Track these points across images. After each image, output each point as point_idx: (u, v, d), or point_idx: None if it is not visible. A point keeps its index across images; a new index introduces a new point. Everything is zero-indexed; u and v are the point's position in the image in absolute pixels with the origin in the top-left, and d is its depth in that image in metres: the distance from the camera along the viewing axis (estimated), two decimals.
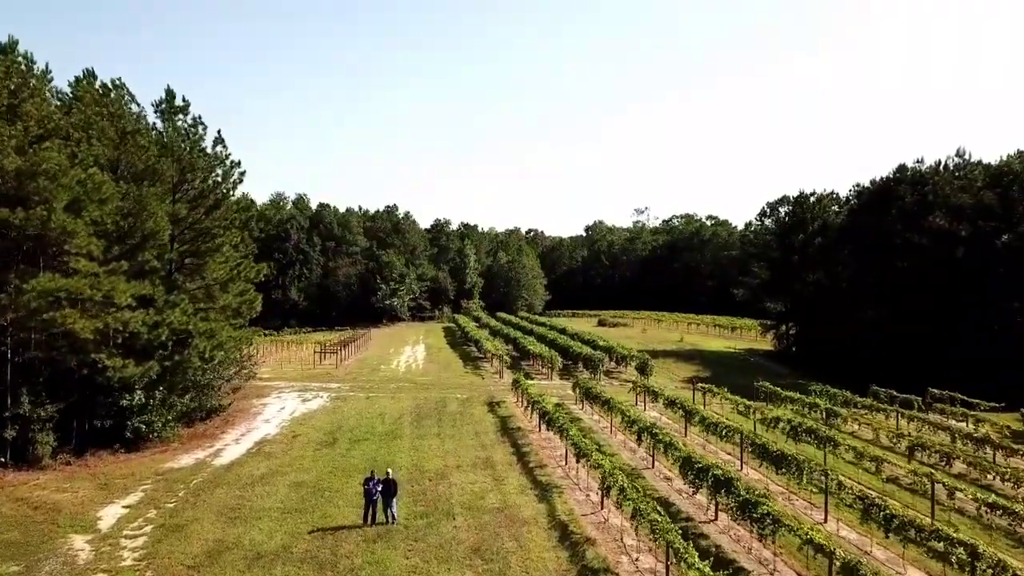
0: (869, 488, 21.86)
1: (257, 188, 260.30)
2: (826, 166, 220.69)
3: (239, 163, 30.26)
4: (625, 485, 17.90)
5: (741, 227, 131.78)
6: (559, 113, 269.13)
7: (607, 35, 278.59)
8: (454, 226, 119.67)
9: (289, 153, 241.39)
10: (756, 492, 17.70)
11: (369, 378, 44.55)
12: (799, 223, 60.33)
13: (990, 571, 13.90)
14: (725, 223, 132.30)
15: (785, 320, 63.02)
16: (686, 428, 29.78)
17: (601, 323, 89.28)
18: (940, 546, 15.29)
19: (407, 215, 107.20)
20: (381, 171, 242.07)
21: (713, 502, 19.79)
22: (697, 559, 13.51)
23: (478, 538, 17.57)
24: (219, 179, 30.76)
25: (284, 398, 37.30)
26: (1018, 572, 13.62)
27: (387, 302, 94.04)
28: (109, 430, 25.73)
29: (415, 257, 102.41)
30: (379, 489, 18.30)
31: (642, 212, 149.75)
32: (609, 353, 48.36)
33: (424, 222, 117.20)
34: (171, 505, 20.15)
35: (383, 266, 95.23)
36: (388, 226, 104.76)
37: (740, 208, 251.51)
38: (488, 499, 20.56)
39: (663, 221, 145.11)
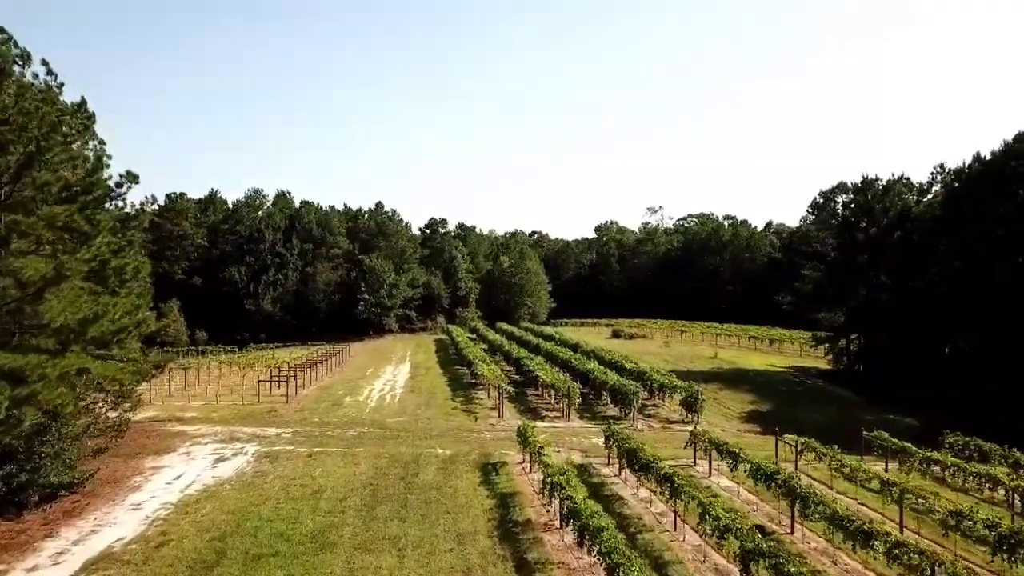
0: None
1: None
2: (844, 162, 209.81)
3: (84, 103, 19.30)
4: None
5: (761, 227, 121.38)
6: (562, 111, 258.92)
7: (610, 33, 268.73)
8: (451, 227, 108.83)
9: (287, 153, 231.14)
10: None
11: (325, 419, 33.41)
12: (865, 215, 49.25)
13: None
14: (744, 223, 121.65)
15: (846, 332, 51.92)
16: (792, 522, 18.69)
17: (616, 334, 78.19)
18: None
19: (393, 213, 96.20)
20: (376, 170, 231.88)
21: None
22: None
23: None
24: (24, 112, 19.20)
25: (193, 455, 26.21)
26: None
27: (372, 311, 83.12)
28: None
29: (404, 261, 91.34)
30: None
31: (655, 211, 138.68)
32: (641, 380, 37.24)
33: (420, 222, 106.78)
34: None
35: (367, 272, 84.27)
36: (373, 226, 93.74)
37: (758, 207, 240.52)
38: None
39: (677, 221, 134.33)
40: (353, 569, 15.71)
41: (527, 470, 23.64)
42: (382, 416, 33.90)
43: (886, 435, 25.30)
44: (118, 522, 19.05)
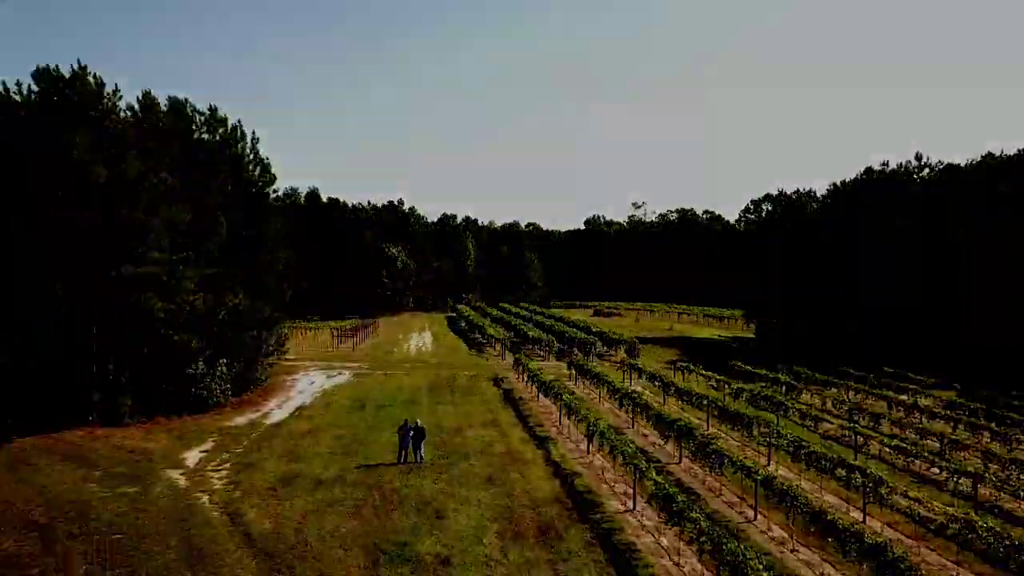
0: (806, 441, 26.58)
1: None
2: (820, 159, 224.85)
3: (270, 165, 34.96)
4: (605, 431, 22.63)
5: (733, 220, 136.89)
6: (560, 108, 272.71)
7: (610, 30, 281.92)
8: (459, 220, 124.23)
9: (310, 149, 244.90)
10: (709, 436, 22.43)
11: (384, 359, 49.28)
12: (779, 220, 64.96)
13: (871, 485, 18.64)
14: (719, 217, 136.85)
15: (766, 309, 67.74)
16: (664, 398, 34.52)
17: (596, 313, 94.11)
18: (843, 472, 20.09)
19: (412, 210, 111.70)
20: (392, 160, 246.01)
21: (678, 449, 24.54)
22: (655, 475, 18.23)
23: (489, 471, 22.33)
24: (257, 176, 35.28)
25: (311, 375, 41.99)
26: (892, 486, 18.43)
27: (392, 292, 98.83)
28: (174, 395, 30.39)
29: (419, 250, 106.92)
30: (411, 435, 23.01)
31: (639, 207, 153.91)
32: (601, 337, 53.05)
33: (431, 215, 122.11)
34: (239, 450, 24.87)
35: (388, 259, 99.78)
36: (393, 220, 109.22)
37: (736, 201, 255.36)
38: (496, 447, 25.30)
39: (659, 215, 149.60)
40: (433, 410, 31.49)
41: (520, 380, 39.44)
42: (423, 357, 49.83)
43: (740, 363, 41.22)
44: (296, 398, 34.90)
